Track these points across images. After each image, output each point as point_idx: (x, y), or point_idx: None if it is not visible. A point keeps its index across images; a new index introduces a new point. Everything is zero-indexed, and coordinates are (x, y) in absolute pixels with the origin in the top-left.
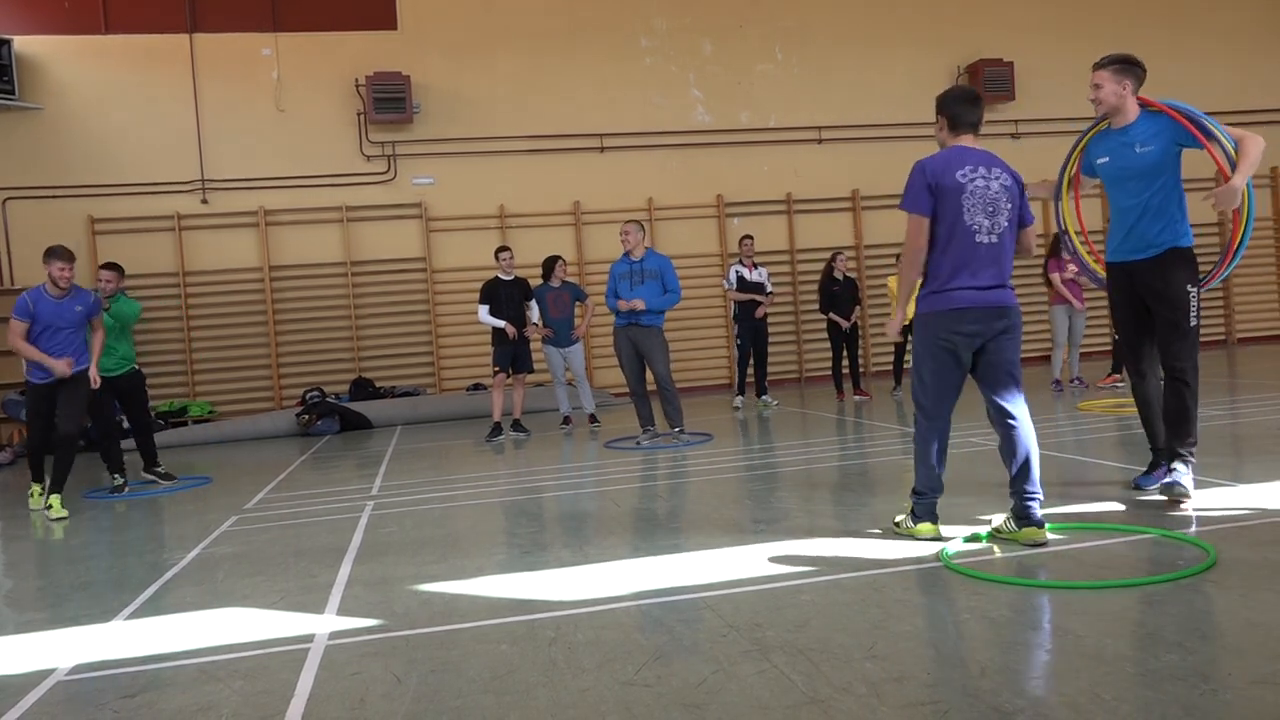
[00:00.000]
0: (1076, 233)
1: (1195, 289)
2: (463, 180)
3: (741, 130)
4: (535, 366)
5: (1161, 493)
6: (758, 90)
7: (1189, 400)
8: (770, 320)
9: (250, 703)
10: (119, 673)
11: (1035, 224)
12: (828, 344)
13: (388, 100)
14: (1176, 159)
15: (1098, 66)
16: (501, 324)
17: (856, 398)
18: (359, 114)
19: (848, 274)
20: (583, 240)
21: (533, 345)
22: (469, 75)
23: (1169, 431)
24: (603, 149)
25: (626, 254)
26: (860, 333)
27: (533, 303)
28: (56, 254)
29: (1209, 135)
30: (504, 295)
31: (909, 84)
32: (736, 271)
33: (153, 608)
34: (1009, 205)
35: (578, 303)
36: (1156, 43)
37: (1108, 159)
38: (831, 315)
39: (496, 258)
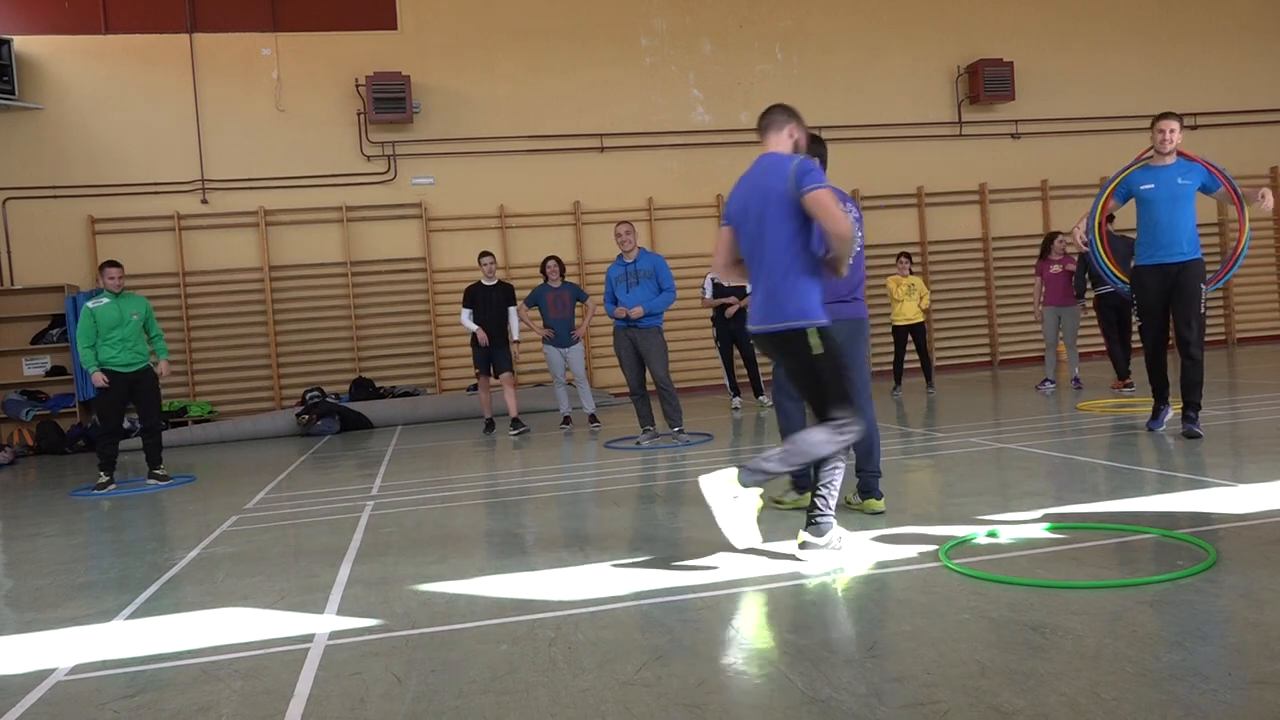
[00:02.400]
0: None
1: (1204, 286)
2: (463, 180)
3: (741, 130)
4: (535, 367)
5: (1185, 435)
6: (758, 90)
7: (1199, 370)
8: None
9: (250, 703)
10: (119, 673)
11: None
12: None
13: (388, 100)
14: (1193, 192)
15: (1168, 117)
16: (475, 329)
17: None
18: (359, 114)
19: None
20: (583, 240)
21: (531, 346)
22: (469, 75)
23: (1186, 392)
24: (603, 149)
25: (620, 256)
26: None
27: (512, 310)
28: None
29: (1229, 181)
30: (483, 300)
31: (909, 84)
32: (713, 279)
33: (153, 608)
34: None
35: (578, 303)
36: (1156, 44)
37: (1154, 185)
38: None
39: (479, 262)
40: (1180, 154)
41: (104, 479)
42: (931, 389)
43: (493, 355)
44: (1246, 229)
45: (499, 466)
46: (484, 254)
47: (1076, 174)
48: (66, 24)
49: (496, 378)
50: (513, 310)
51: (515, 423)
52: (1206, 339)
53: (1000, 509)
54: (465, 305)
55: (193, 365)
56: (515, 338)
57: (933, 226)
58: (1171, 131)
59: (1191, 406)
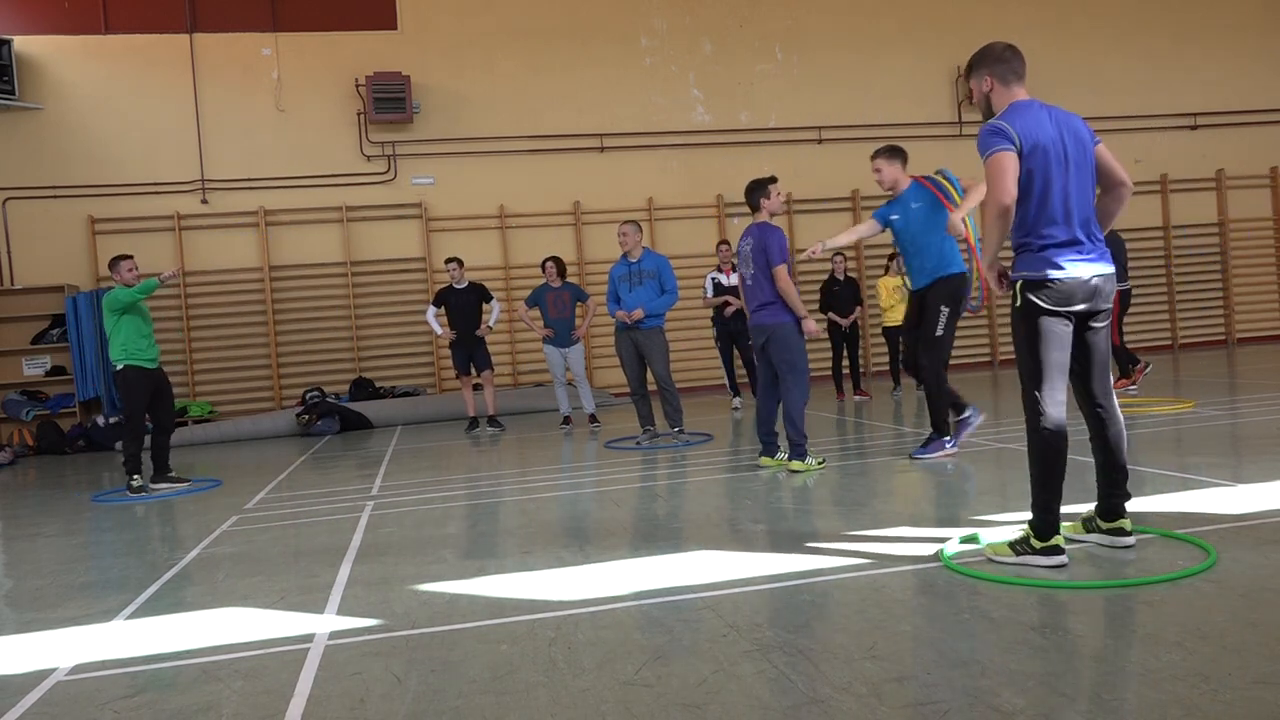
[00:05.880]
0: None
1: (948, 308)
2: (463, 180)
3: (741, 130)
4: (535, 367)
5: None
6: (758, 90)
7: (932, 394)
8: None
9: (250, 703)
10: (119, 673)
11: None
12: (827, 344)
13: (388, 100)
14: (931, 213)
15: (874, 156)
16: (438, 329)
17: (856, 398)
18: (359, 114)
19: (848, 274)
20: (583, 240)
21: (531, 346)
22: (469, 75)
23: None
24: (603, 149)
25: (624, 255)
26: (860, 333)
27: (493, 303)
28: None
29: (946, 195)
30: (455, 303)
31: (909, 84)
32: (712, 279)
33: (153, 608)
34: (754, 259)
35: (578, 303)
36: (1155, 44)
37: (899, 216)
38: (831, 315)
39: (446, 266)
40: (914, 179)
41: (139, 481)
42: None
43: (472, 354)
44: (971, 233)
45: (499, 466)
46: (449, 260)
47: None
48: (66, 24)
49: (478, 375)
50: (494, 301)
51: (493, 420)
52: (1206, 338)
53: (1000, 509)
54: (434, 304)
55: (193, 365)
56: (490, 323)
57: None
58: (877, 171)
59: (935, 429)
